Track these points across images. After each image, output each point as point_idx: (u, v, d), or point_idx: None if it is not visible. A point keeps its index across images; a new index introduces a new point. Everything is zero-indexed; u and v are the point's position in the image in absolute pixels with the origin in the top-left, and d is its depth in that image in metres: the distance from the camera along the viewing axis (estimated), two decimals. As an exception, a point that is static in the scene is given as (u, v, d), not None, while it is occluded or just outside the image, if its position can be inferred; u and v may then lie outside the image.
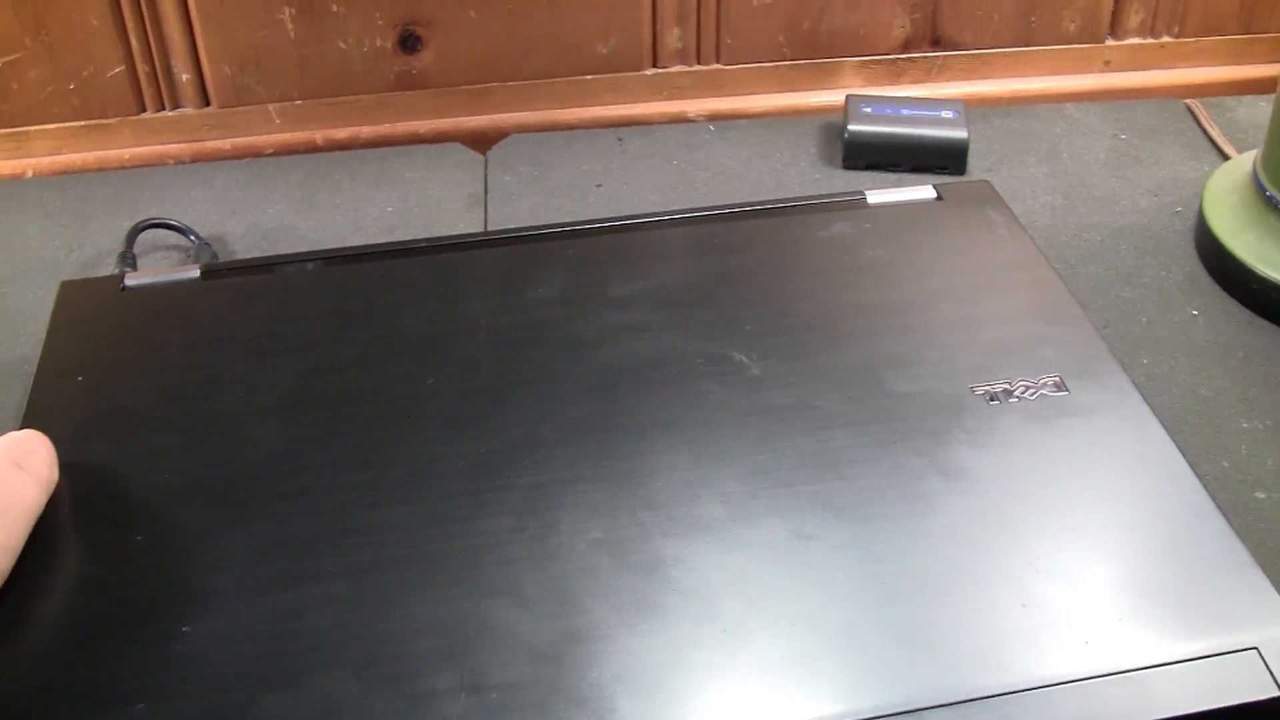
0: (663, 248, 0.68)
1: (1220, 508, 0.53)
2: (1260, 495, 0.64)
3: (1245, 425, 0.68)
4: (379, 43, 0.88)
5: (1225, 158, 0.89)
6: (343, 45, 0.87)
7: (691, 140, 0.90)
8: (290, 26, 0.86)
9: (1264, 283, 0.75)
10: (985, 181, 0.74)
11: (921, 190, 0.72)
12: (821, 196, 0.72)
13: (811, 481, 0.54)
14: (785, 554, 0.51)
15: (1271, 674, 0.46)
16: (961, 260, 0.67)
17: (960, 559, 0.51)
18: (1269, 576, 0.51)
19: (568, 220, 0.71)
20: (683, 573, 0.50)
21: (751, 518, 0.52)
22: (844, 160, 0.87)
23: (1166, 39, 0.97)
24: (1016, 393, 0.58)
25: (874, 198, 0.71)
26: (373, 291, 0.65)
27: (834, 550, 0.51)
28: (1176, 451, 0.56)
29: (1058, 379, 0.59)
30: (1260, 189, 0.77)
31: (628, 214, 0.71)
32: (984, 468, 0.54)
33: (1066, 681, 0.46)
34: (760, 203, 0.72)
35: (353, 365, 0.60)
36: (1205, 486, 0.54)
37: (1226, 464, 0.66)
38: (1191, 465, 0.55)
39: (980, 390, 0.58)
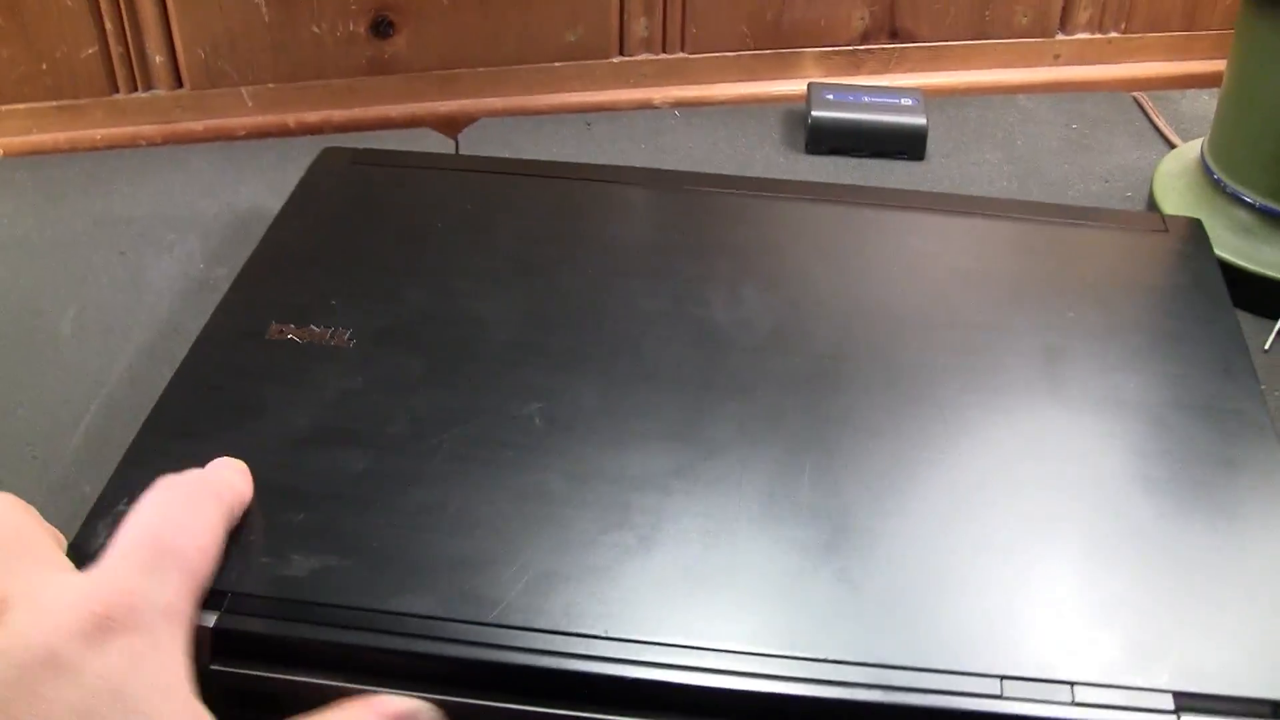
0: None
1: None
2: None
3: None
4: (351, 28, 0.89)
5: (1171, 147, 0.91)
6: (316, 30, 0.88)
7: (658, 126, 0.92)
8: (264, 11, 0.87)
9: (1213, 263, 0.78)
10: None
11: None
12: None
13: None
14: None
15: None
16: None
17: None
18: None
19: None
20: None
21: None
22: (807, 145, 0.89)
23: (1114, 34, 1.00)
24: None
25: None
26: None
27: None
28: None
29: None
30: (1208, 172, 0.80)
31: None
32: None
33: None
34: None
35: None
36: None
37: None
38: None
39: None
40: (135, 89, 0.89)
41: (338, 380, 0.58)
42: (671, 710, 0.46)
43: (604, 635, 0.47)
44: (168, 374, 0.59)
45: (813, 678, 0.46)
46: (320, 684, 0.47)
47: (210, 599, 0.48)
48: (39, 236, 0.79)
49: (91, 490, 0.59)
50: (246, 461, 0.54)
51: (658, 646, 0.47)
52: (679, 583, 0.49)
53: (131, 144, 0.90)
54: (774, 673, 0.46)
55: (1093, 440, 0.57)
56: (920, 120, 0.88)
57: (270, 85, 0.90)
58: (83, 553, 0.50)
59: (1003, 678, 0.47)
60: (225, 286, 0.64)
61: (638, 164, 0.86)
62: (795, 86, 0.94)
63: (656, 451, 0.55)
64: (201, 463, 0.53)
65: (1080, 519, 0.53)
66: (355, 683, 0.47)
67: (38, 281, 0.75)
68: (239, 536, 0.51)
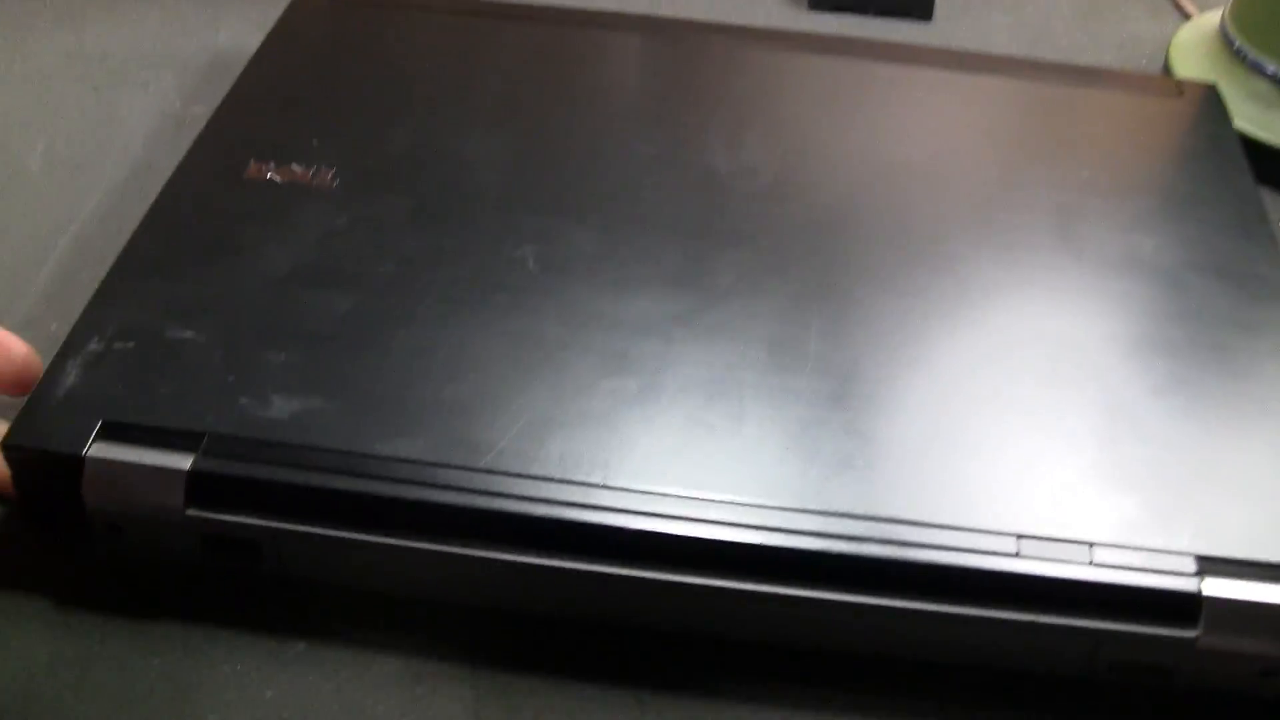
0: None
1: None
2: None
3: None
4: None
5: (1188, 18, 0.88)
6: None
7: (656, -24, 0.88)
8: None
9: (1229, 132, 0.75)
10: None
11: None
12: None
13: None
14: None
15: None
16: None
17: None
18: None
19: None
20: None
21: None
22: (810, 0, 0.86)
23: (1128, -100, 0.97)
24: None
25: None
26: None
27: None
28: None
29: None
30: (1228, 42, 0.77)
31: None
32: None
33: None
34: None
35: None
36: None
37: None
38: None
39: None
40: (109, -79, 0.85)
41: (320, 220, 0.55)
42: (672, 563, 0.44)
43: (602, 484, 0.45)
44: (140, 212, 0.56)
45: (822, 531, 0.44)
46: (303, 530, 0.45)
47: (186, 441, 0.46)
48: (7, 71, 0.75)
49: (58, 328, 0.56)
50: (222, 300, 0.51)
51: (658, 496, 0.45)
52: (681, 432, 0.47)
53: (105, -21, 0.85)
54: (780, 525, 0.44)
55: (1109, 300, 0.55)
56: (929, -23, 0.85)
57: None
58: (54, 390, 0.47)
59: (1019, 536, 0.45)
60: (203, 125, 0.61)
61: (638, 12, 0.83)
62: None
63: (656, 297, 0.52)
64: (175, 302, 0.51)
65: (1098, 379, 0.51)
66: (340, 529, 0.45)
67: (4, 116, 0.71)
68: (214, 377, 0.48)
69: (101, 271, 0.53)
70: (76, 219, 0.64)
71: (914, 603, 0.44)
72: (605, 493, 0.44)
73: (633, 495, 0.44)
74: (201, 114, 0.68)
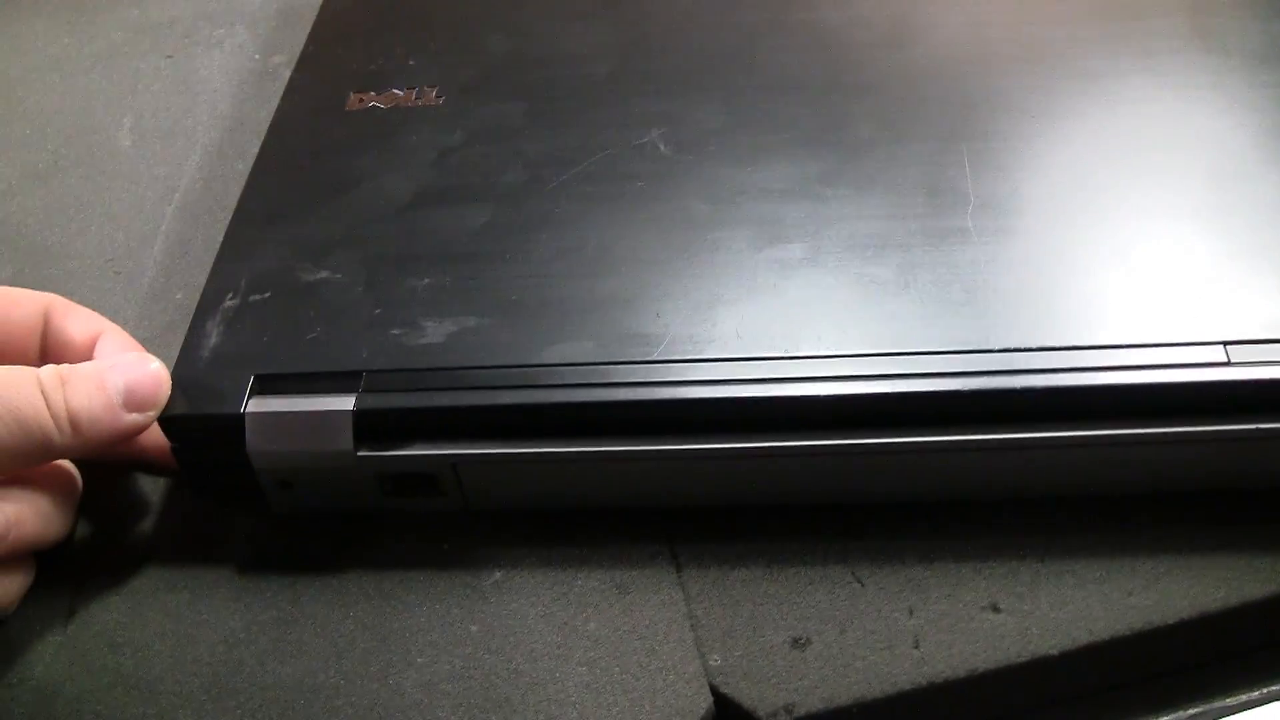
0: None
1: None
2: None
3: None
4: None
5: None
6: None
7: None
8: None
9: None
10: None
11: None
12: None
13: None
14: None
15: None
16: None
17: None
18: None
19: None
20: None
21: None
22: None
23: None
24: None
25: None
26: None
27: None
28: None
29: None
30: None
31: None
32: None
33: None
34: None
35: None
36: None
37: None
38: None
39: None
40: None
41: (433, 139, 0.53)
42: (877, 425, 0.42)
43: (785, 355, 0.43)
44: (242, 170, 0.54)
45: (1027, 368, 0.41)
46: (481, 452, 0.43)
47: (344, 381, 0.44)
48: (78, 53, 0.74)
49: (184, 297, 0.55)
50: (350, 235, 0.49)
51: (848, 359, 0.42)
52: (855, 290, 0.45)
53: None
54: (983, 368, 0.42)
55: (1262, 91, 0.52)
56: None
57: None
58: (199, 353, 0.46)
59: (1226, 343, 0.42)
60: (287, 74, 0.59)
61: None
62: None
63: (797, 159, 0.50)
64: (303, 244, 0.49)
65: (1265, 173, 0.48)
66: (518, 445, 0.43)
67: (86, 98, 0.70)
68: (360, 313, 0.46)
69: (214, 234, 0.52)
70: (178, 187, 0.63)
71: (1132, 428, 0.41)
72: (793, 364, 0.42)
73: (822, 362, 0.42)
74: (283, 62, 0.67)
